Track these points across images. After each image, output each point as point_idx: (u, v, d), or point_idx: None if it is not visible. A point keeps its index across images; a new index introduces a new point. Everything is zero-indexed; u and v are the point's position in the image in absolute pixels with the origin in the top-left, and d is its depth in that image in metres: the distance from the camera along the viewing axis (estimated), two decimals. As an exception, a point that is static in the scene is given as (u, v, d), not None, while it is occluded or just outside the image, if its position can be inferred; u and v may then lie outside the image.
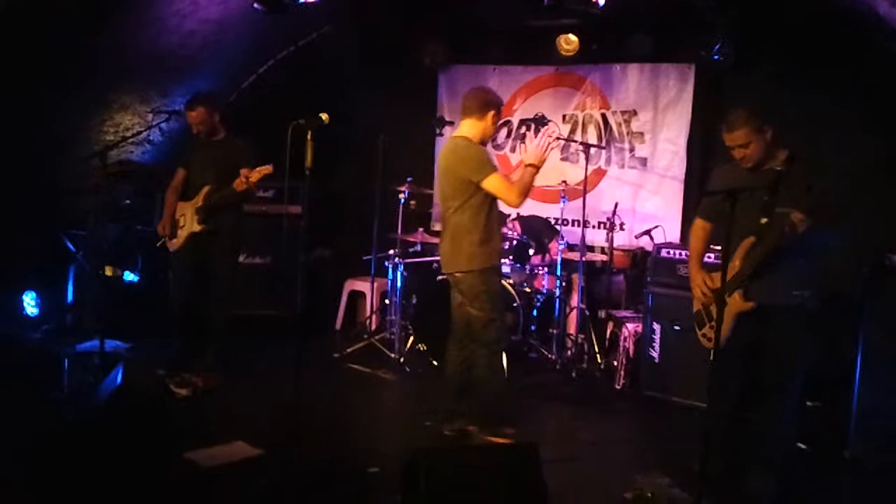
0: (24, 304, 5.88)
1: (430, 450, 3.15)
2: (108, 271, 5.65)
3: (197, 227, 5.19)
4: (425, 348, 5.93)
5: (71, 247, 6.02)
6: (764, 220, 3.11)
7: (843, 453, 4.30)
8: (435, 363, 5.86)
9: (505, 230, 6.35)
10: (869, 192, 5.30)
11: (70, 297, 6.08)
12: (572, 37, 6.47)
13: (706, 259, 4.02)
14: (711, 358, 3.37)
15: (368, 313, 6.81)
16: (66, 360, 5.00)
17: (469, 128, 4.35)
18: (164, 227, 5.34)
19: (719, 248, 4.07)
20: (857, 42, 5.34)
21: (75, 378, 4.81)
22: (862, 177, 5.30)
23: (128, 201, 6.28)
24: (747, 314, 3.59)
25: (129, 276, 6.23)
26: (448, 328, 5.85)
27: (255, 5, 5.42)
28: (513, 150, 7.29)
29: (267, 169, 4.91)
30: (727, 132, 3.59)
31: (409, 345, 6.04)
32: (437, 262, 6.67)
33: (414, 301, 6.21)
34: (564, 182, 6.22)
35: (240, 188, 5.00)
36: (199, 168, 5.31)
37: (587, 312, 6.16)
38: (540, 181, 6.63)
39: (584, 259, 5.96)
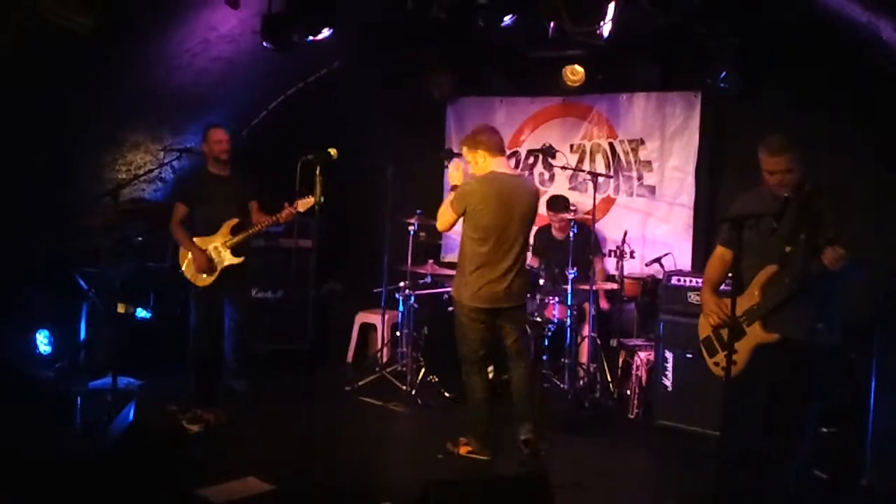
0: (38, 343, 5.91)
1: (443, 482, 3.15)
2: (121, 308, 5.68)
3: (235, 260, 5.34)
4: (437, 379, 5.93)
5: (83, 284, 6.06)
6: (788, 249, 3.11)
7: (860, 480, 4.26)
8: (447, 395, 5.86)
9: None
10: (882, 216, 5.32)
11: (82, 334, 6.10)
12: (578, 67, 6.53)
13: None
14: (725, 386, 3.36)
15: (379, 346, 6.81)
16: (79, 398, 5.02)
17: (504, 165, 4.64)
18: (200, 260, 5.33)
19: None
20: (862, 67, 5.37)
21: (88, 415, 4.81)
22: (873, 201, 5.32)
23: (139, 238, 6.32)
24: (767, 345, 3.52)
25: (142, 313, 6.26)
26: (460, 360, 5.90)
27: (265, 44, 5.51)
28: (521, 180, 7.32)
29: (310, 201, 4.99)
30: (771, 155, 3.48)
31: (420, 377, 6.03)
32: (448, 293, 6.73)
33: (425, 332, 6.21)
34: (573, 211, 6.25)
35: (288, 219, 5.19)
36: (218, 203, 5.39)
37: (599, 342, 6.15)
38: (545, 211, 6.75)
39: (594, 288, 5.96)
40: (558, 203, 6.49)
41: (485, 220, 4.43)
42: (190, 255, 5.38)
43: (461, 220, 4.54)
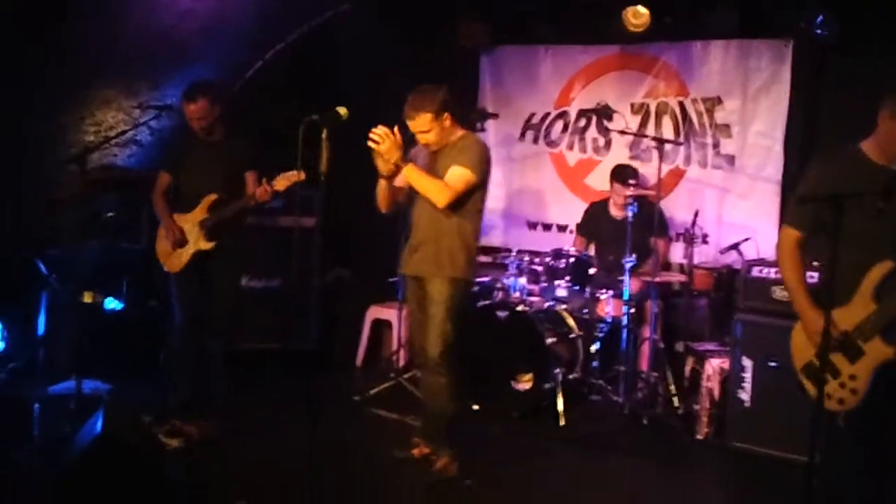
0: (-12, 338, 5.99)
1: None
2: (87, 298, 5.70)
3: (206, 245, 5.20)
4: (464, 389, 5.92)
5: (43, 269, 6.11)
6: None
7: None
8: (475, 407, 5.86)
9: (565, 246, 6.47)
10: None
11: (41, 329, 6.16)
12: (642, 9, 6.44)
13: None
14: (841, 422, 3.30)
15: (395, 347, 6.82)
16: (37, 405, 5.07)
17: None
18: (172, 232, 5.27)
19: (816, 263, 3.90)
20: None
21: (47, 426, 4.86)
22: None
23: (111, 214, 6.34)
24: (892, 363, 3.40)
25: (112, 304, 6.31)
26: (493, 365, 5.90)
27: (261, -22, 5.49)
28: (570, 147, 7.30)
29: (297, 175, 4.90)
30: None
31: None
32: (479, 284, 6.72)
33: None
34: (633, 185, 6.18)
35: (262, 198, 5.03)
36: (200, 174, 5.32)
37: (661, 346, 6.11)
38: (603, 184, 6.71)
39: (658, 280, 5.90)
40: (625, 173, 6.44)
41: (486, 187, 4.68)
42: (162, 230, 5.37)
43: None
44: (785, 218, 3.78)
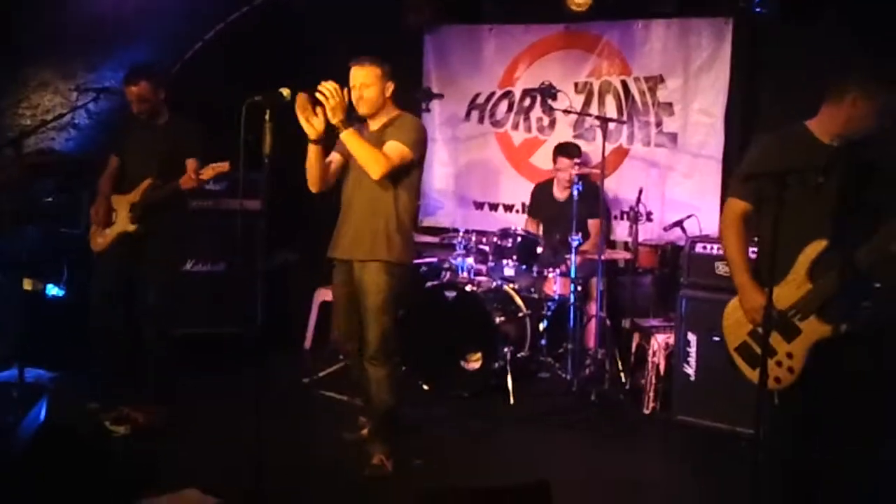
0: (-76, 327, 5.87)
1: (425, 494, 3.15)
2: (28, 285, 5.62)
3: (129, 227, 5.18)
4: (412, 369, 5.95)
5: (-19, 255, 6.01)
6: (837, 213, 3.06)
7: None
8: (425, 387, 5.89)
9: (512, 225, 6.47)
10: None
11: (-19, 316, 6.07)
12: (585, -12, 6.48)
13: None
14: (776, 400, 3.37)
15: (344, 328, 6.80)
16: (-22, 394, 4.99)
17: None
18: (96, 211, 5.28)
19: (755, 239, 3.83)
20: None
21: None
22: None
23: (49, 199, 6.26)
24: (831, 340, 3.44)
25: (53, 290, 6.21)
26: (442, 345, 5.93)
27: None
28: (515, 126, 7.32)
29: (222, 167, 4.98)
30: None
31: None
32: (427, 265, 6.73)
33: (400, 313, 6.20)
34: (577, 164, 6.23)
35: (186, 185, 5.02)
36: (139, 157, 5.28)
37: (608, 322, 6.19)
38: (548, 163, 6.76)
39: (603, 258, 5.97)
40: (570, 149, 6.52)
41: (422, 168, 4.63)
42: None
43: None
44: (730, 190, 3.78)
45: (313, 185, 4.55)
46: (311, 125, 4.27)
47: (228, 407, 5.01)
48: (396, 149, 4.34)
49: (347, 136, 4.27)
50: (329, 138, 4.38)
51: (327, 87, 4.15)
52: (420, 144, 4.46)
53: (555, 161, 6.57)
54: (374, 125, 4.53)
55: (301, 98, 4.17)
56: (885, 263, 3.38)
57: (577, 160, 6.35)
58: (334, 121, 4.21)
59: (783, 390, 3.50)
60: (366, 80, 4.40)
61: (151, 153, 5.21)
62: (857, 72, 3.55)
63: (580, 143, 6.89)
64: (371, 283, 4.44)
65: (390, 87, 4.48)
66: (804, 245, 3.45)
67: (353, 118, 4.40)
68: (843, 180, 3.42)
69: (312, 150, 4.40)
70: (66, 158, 6.66)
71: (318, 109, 4.21)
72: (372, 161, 4.28)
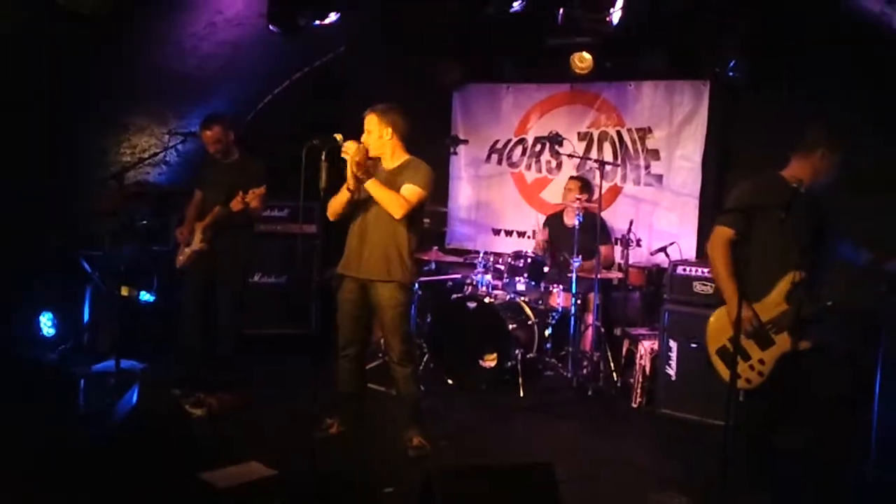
0: (41, 325, 5.92)
1: (446, 470, 3.14)
2: (124, 291, 5.67)
3: (199, 246, 5.27)
4: (440, 366, 5.94)
5: (87, 267, 6.06)
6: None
7: (865, 471, 4.24)
8: (450, 381, 5.88)
9: (523, 249, 6.47)
10: (891, 205, 5.28)
11: (86, 317, 6.12)
12: (586, 55, 6.48)
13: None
14: (742, 398, 3.35)
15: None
16: (83, 381, 5.01)
17: None
18: (182, 233, 5.42)
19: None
20: (874, 56, 5.32)
21: (91, 398, 4.82)
22: (884, 190, 5.28)
23: (144, 222, 6.32)
24: (798, 353, 3.48)
25: (145, 297, 6.26)
26: (464, 347, 5.92)
27: (271, 28, 5.47)
28: (528, 167, 7.31)
29: (260, 190, 5.08)
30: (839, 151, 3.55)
31: (423, 363, 6.04)
32: (453, 280, 6.73)
33: (429, 320, 6.21)
34: (580, 199, 6.21)
35: (235, 208, 5.08)
36: (213, 189, 5.36)
37: (603, 330, 6.14)
38: (555, 198, 6.75)
39: (599, 276, 5.94)
40: (584, 178, 6.55)
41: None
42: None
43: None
44: (719, 220, 3.73)
45: (333, 216, 4.46)
46: (351, 174, 4.22)
47: (289, 395, 5.05)
48: (414, 192, 4.28)
49: (371, 186, 4.21)
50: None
51: (350, 147, 4.12)
52: (431, 185, 4.39)
53: (568, 183, 6.56)
54: (388, 164, 4.44)
55: (355, 145, 4.14)
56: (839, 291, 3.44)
57: (584, 194, 6.31)
58: (358, 174, 4.19)
59: (750, 390, 3.48)
60: (368, 126, 4.35)
61: (221, 185, 5.27)
62: (824, 130, 3.56)
63: (582, 182, 6.89)
64: (390, 299, 4.37)
65: (390, 131, 4.36)
66: (779, 270, 3.48)
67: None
68: (803, 220, 3.43)
69: (345, 194, 4.32)
70: (158, 189, 6.73)
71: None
72: (395, 205, 4.23)
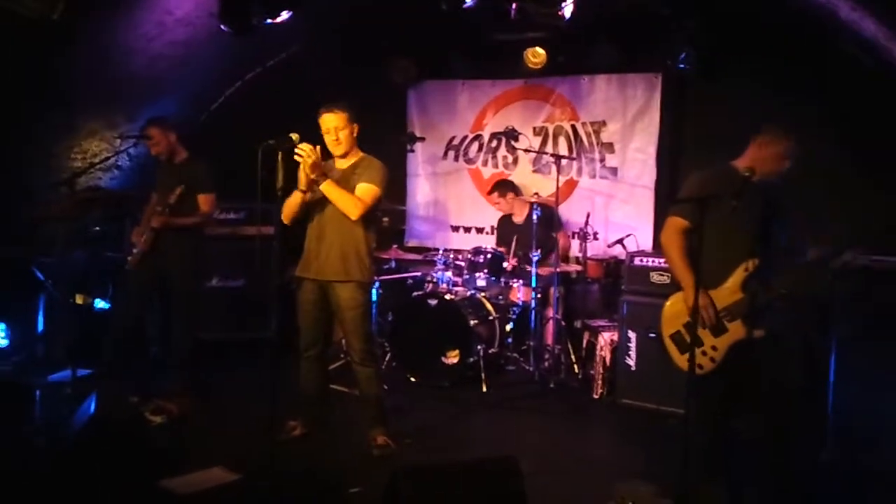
0: (-6, 336, 5.79)
1: (411, 468, 3.14)
2: (79, 299, 5.57)
3: (142, 246, 5.21)
4: (402, 365, 5.93)
5: (40, 275, 5.93)
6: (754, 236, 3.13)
7: (820, 458, 4.33)
8: (412, 379, 5.87)
9: (481, 244, 6.48)
10: (837, 194, 5.40)
11: (40, 326, 5.99)
12: (539, 50, 6.53)
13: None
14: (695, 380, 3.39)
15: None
16: (38, 391, 4.92)
17: None
18: (137, 234, 5.32)
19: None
20: (820, 46, 5.43)
21: (48, 409, 4.73)
22: (830, 179, 5.40)
23: (97, 228, 6.19)
24: (751, 340, 3.53)
25: (100, 304, 6.15)
26: (426, 344, 5.91)
27: (223, 27, 5.40)
28: (484, 163, 7.33)
29: (179, 189, 5.07)
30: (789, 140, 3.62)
31: (385, 362, 6.02)
32: (413, 278, 6.72)
33: (390, 318, 6.20)
34: (536, 194, 6.25)
35: (156, 224, 5.11)
36: (161, 191, 5.30)
37: (563, 323, 6.18)
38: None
39: (558, 270, 5.98)
40: (507, 185, 6.73)
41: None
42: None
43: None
44: (672, 210, 3.77)
45: (288, 219, 4.36)
46: (305, 176, 4.17)
47: (249, 398, 4.97)
48: (369, 191, 4.25)
49: (327, 188, 4.17)
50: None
51: (304, 149, 4.04)
52: (385, 182, 4.35)
53: (502, 196, 6.66)
54: (342, 164, 4.41)
55: (309, 147, 4.07)
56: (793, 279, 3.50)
57: (509, 195, 6.58)
58: (313, 176, 4.13)
59: (702, 376, 3.52)
60: (338, 124, 4.29)
61: (168, 187, 5.19)
62: (773, 122, 3.65)
63: (538, 176, 6.98)
64: (350, 300, 4.34)
65: (356, 128, 4.36)
66: (733, 259, 3.52)
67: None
68: (755, 209, 3.48)
69: (298, 196, 4.26)
70: (110, 194, 6.60)
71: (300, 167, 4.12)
72: (351, 206, 4.19)
